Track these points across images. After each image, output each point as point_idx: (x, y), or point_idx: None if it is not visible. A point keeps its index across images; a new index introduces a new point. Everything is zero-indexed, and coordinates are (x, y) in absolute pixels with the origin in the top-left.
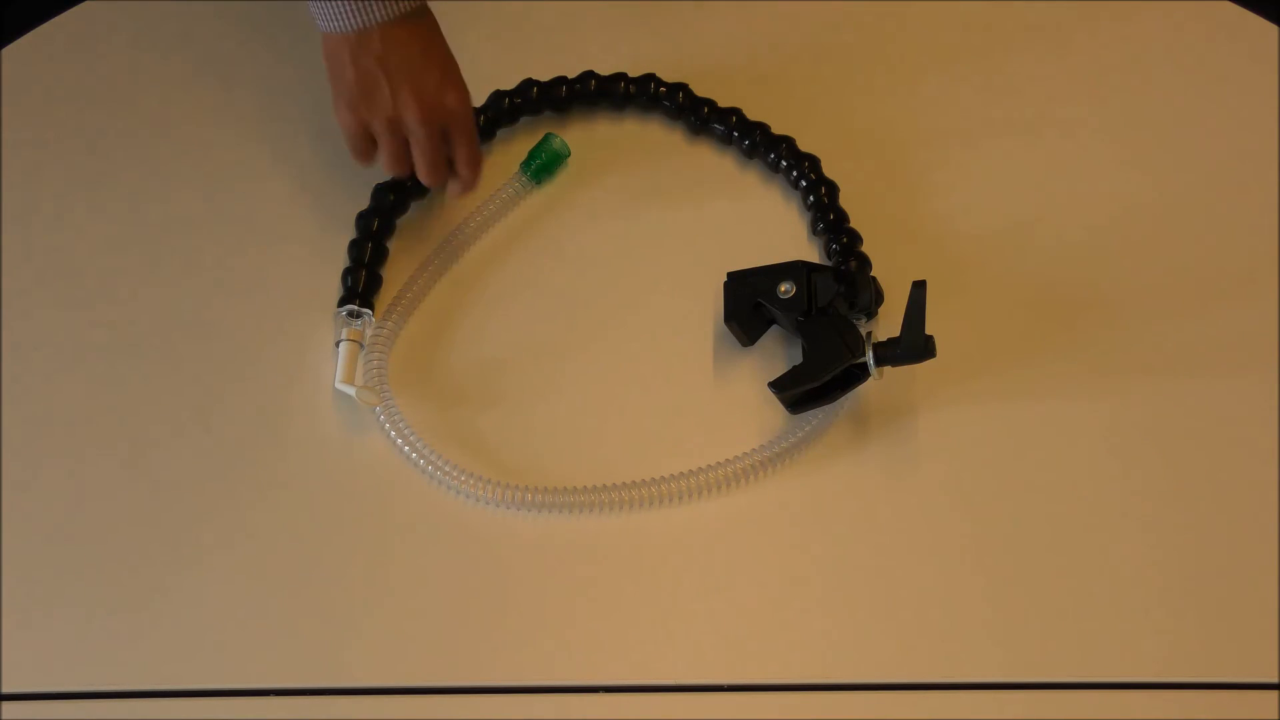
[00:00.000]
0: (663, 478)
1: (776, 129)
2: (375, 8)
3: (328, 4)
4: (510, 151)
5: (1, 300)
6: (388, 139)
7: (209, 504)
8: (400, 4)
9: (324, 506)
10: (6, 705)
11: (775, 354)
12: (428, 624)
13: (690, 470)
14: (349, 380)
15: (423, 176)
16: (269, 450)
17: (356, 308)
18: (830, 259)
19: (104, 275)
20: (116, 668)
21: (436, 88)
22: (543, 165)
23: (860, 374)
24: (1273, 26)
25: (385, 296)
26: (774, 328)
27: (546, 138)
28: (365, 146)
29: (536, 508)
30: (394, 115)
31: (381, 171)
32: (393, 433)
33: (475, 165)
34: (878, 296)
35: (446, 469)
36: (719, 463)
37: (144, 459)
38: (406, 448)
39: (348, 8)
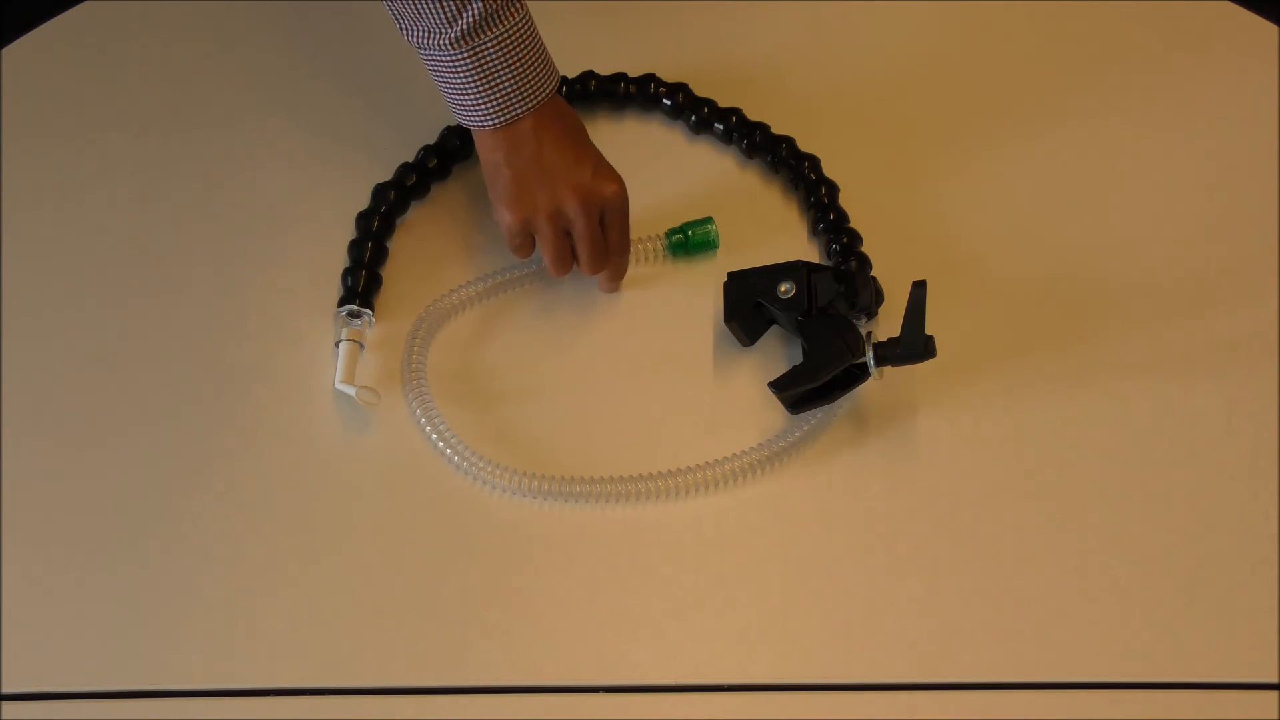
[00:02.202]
0: (661, 473)
1: (776, 129)
2: (515, 103)
3: (468, 104)
4: None
5: (1, 300)
6: (549, 232)
7: (209, 504)
8: (537, 94)
9: (323, 507)
10: (6, 705)
11: (775, 354)
12: (426, 624)
13: (689, 466)
14: (349, 380)
15: (585, 264)
16: (269, 450)
17: (356, 308)
18: (830, 259)
19: (103, 275)
20: (116, 668)
21: (591, 179)
22: (684, 243)
23: (860, 374)
24: (1273, 26)
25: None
26: (774, 328)
27: (706, 220)
28: (524, 243)
29: (544, 495)
30: (554, 209)
31: (384, 173)
32: (423, 419)
33: (626, 251)
34: (878, 296)
35: (464, 451)
36: (719, 459)
37: (144, 459)
38: (434, 435)
39: (489, 106)
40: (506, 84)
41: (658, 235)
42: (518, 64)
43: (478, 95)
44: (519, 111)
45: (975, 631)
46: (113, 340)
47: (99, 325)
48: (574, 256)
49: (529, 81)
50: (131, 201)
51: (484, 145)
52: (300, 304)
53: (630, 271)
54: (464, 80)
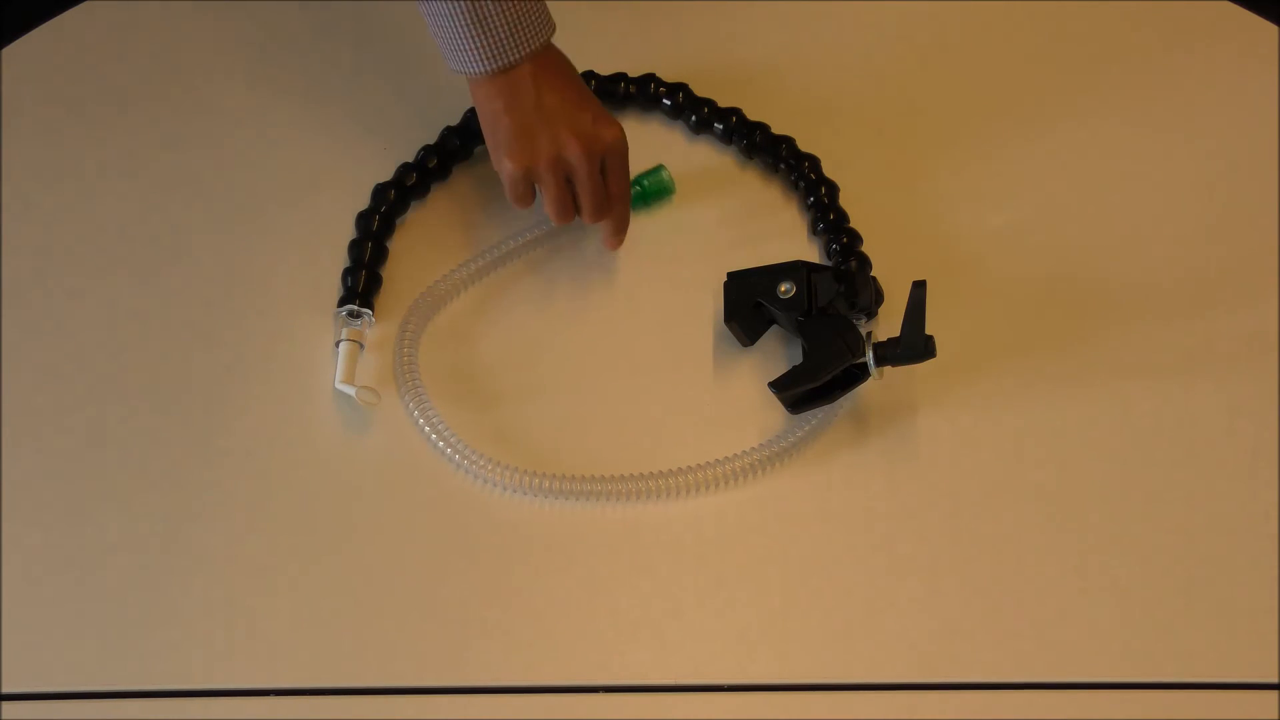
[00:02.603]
0: (661, 472)
1: (776, 129)
2: (509, 48)
3: (462, 49)
4: None
5: (1, 300)
6: (551, 179)
7: (209, 504)
8: (532, 40)
9: (323, 507)
10: (6, 705)
11: (775, 354)
12: (426, 624)
13: (689, 466)
14: (349, 380)
15: (588, 212)
16: (269, 450)
17: (356, 308)
18: (830, 259)
19: (103, 276)
20: (116, 668)
21: (592, 124)
22: (643, 193)
23: (860, 374)
24: (1273, 26)
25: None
26: (774, 328)
27: (658, 169)
28: (525, 192)
29: (544, 493)
30: (555, 155)
31: (384, 173)
32: (420, 420)
33: (628, 199)
34: (878, 296)
35: (463, 449)
36: (719, 460)
37: (144, 460)
38: (433, 434)
39: (483, 51)
40: (500, 28)
41: None
42: (511, 7)
43: (471, 39)
44: (513, 58)
45: (975, 631)
46: (112, 340)
47: (98, 325)
48: (575, 206)
49: (523, 26)
50: (131, 202)
51: (481, 95)
52: (300, 304)
53: (631, 271)
54: (458, 23)
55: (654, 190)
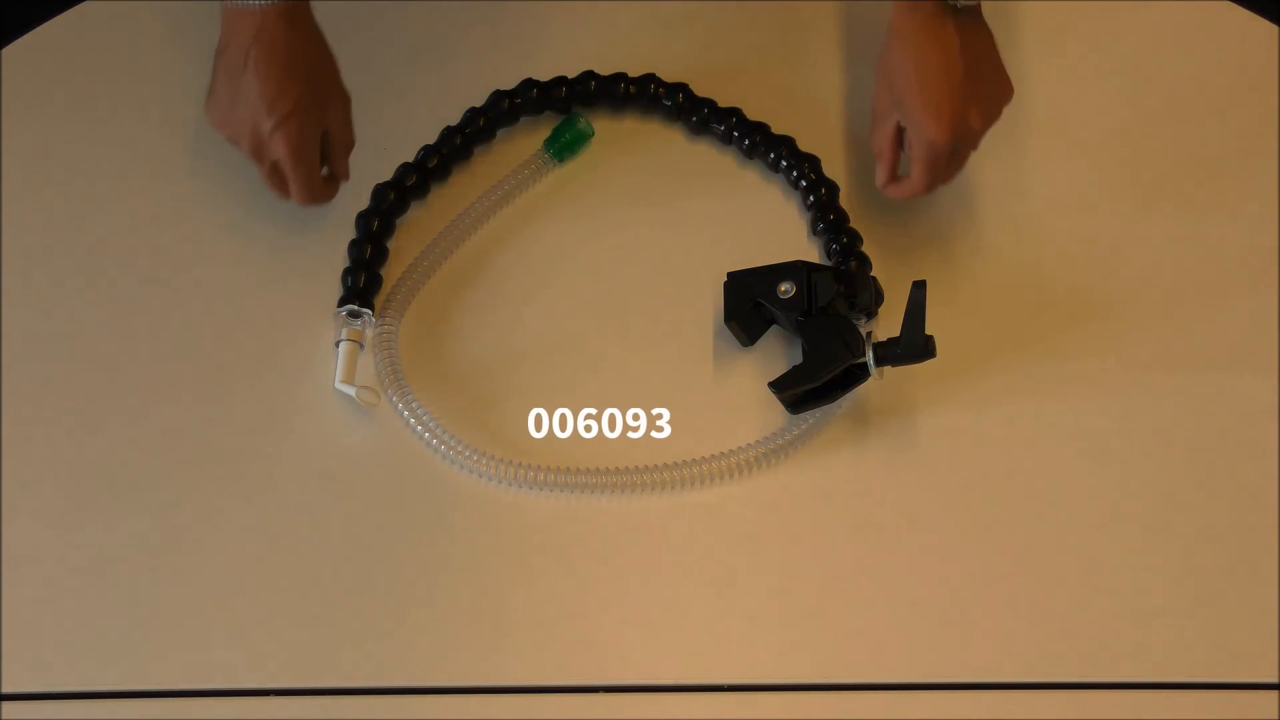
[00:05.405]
0: (659, 465)
1: (776, 129)
2: None
3: None
4: (510, 152)
5: (1, 296)
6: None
7: (209, 504)
8: None
9: (324, 507)
10: (6, 705)
11: (775, 354)
12: (427, 624)
13: (686, 460)
14: (349, 380)
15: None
16: (269, 451)
17: (356, 308)
18: (830, 259)
19: (102, 276)
20: (116, 668)
21: (271, 131)
22: (566, 144)
23: (860, 374)
24: (1273, 26)
25: (385, 296)
26: (774, 328)
27: (572, 116)
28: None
29: (541, 486)
30: (234, 143)
31: (384, 173)
32: (405, 412)
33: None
34: (878, 296)
35: (453, 442)
36: (716, 454)
37: (144, 459)
38: (420, 428)
39: None
40: None
41: (536, 152)
42: None
43: None
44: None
45: (975, 631)
46: (111, 340)
47: (97, 325)
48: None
49: None
50: (130, 201)
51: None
52: (300, 304)
53: (631, 271)
54: None
55: (574, 138)
